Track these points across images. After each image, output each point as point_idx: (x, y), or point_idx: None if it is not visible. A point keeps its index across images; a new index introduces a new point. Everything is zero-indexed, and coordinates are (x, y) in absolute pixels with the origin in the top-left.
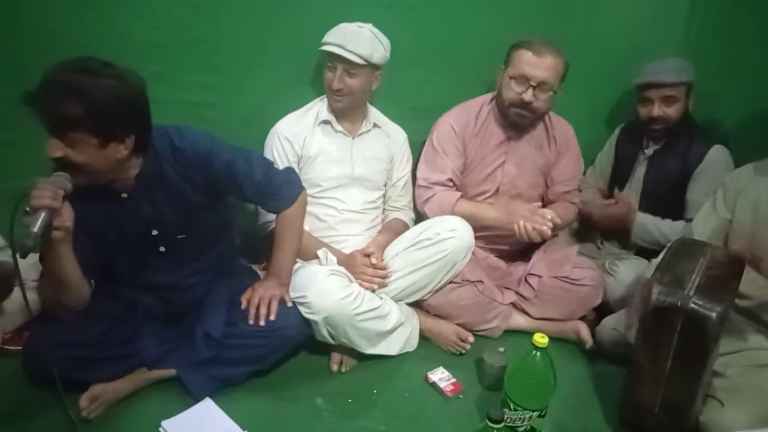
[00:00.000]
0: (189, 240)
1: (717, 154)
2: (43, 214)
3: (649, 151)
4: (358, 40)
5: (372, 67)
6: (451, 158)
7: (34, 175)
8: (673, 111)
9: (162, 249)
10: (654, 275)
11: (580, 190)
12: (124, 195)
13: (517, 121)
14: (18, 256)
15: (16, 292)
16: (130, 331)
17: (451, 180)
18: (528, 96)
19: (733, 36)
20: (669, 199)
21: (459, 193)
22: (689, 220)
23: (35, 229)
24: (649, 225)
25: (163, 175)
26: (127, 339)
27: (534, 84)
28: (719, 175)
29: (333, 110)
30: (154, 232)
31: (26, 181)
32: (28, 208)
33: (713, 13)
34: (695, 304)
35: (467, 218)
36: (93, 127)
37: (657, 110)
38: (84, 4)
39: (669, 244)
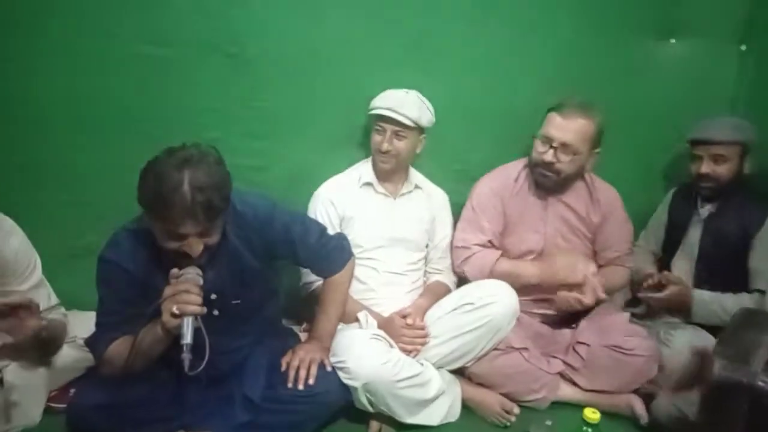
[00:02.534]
0: (242, 304)
1: None
2: (191, 321)
3: (703, 213)
4: (408, 104)
5: (419, 129)
6: (490, 220)
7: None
8: (723, 170)
9: (215, 313)
10: (716, 348)
11: (630, 252)
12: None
13: (541, 181)
14: (187, 371)
15: (65, 350)
16: (172, 393)
17: (490, 242)
18: (548, 156)
19: None
20: (727, 264)
21: (499, 252)
22: (753, 291)
23: (190, 340)
24: (711, 302)
25: (225, 239)
26: (169, 401)
27: (556, 145)
28: None
29: (377, 172)
30: (213, 297)
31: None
32: (176, 311)
33: (764, 71)
34: (764, 382)
35: (508, 277)
36: (225, 207)
37: (705, 167)
38: (147, 76)
39: (733, 314)
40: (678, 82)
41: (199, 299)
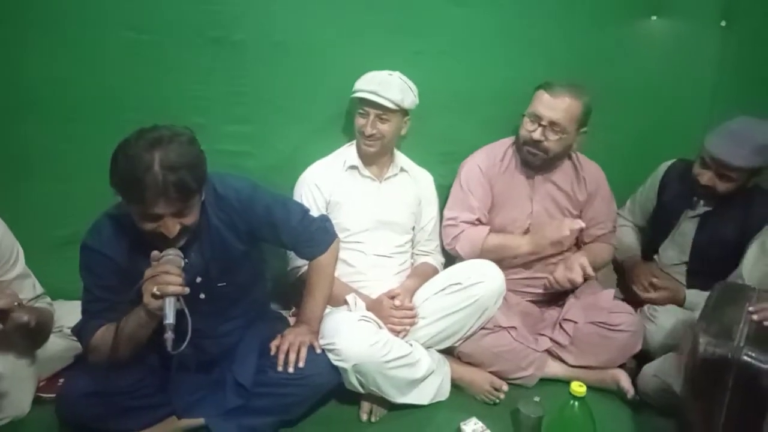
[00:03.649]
0: (228, 288)
1: None
2: (173, 302)
3: (699, 209)
4: (390, 86)
5: (402, 112)
6: (478, 198)
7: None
8: (724, 188)
9: (202, 296)
10: (699, 324)
11: (614, 229)
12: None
13: (528, 159)
14: (170, 350)
15: (52, 339)
16: (162, 380)
17: (479, 219)
18: (537, 134)
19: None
20: (724, 262)
21: (488, 228)
22: None
23: (172, 320)
24: (702, 302)
25: (207, 222)
26: (159, 388)
27: (545, 123)
28: None
29: (362, 155)
30: (198, 280)
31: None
32: (157, 292)
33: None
34: (748, 356)
35: (499, 249)
36: (199, 185)
37: (707, 180)
38: (138, 62)
39: (711, 290)
40: (660, 59)
41: (179, 279)
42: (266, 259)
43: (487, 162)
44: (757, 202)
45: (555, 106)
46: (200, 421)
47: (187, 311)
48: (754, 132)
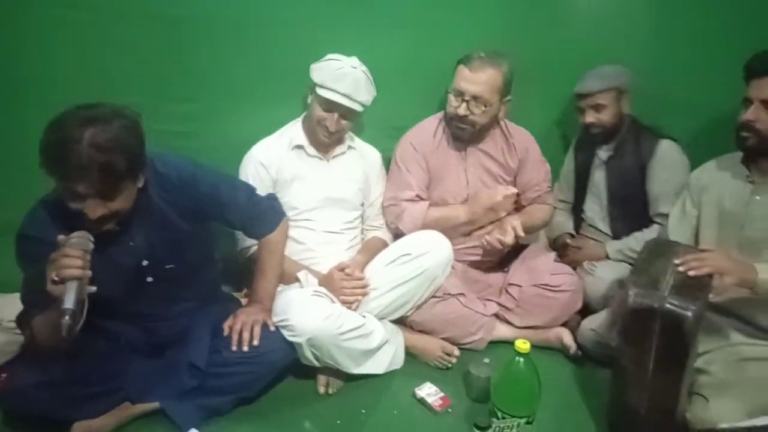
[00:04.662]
0: (176, 270)
1: (666, 147)
2: (74, 286)
3: (603, 156)
4: (360, 88)
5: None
6: (415, 175)
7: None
8: (604, 116)
9: (149, 279)
10: (630, 277)
11: (551, 189)
12: (117, 228)
13: (458, 134)
14: (64, 335)
15: None
16: (112, 366)
17: (418, 196)
18: (462, 110)
19: (673, 41)
20: (634, 198)
21: (427, 202)
22: (657, 215)
23: (71, 305)
24: (621, 249)
25: (150, 203)
26: (109, 374)
27: (467, 98)
28: (673, 166)
29: (314, 142)
30: (144, 263)
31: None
32: (56, 277)
33: (657, 21)
34: (671, 304)
35: (440, 223)
36: (131, 171)
37: (589, 117)
38: (65, 39)
39: (642, 246)
40: (584, 31)
41: (79, 262)
42: (216, 240)
43: (420, 139)
44: (643, 137)
45: (476, 79)
46: (155, 405)
47: (85, 297)
48: (602, 66)
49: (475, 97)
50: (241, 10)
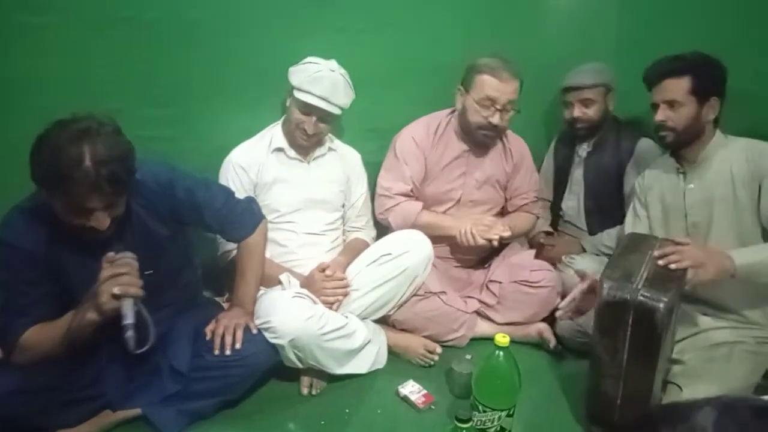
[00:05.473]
0: (155, 275)
1: (644, 146)
2: (131, 303)
3: (582, 153)
4: (337, 91)
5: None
6: (412, 169)
7: None
8: (592, 112)
9: None
10: (605, 271)
11: (537, 200)
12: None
13: (484, 141)
14: (132, 349)
15: None
16: (93, 373)
17: (412, 191)
18: (496, 119)
19: (653, 41)
20: (610, 194)
21: (421, 204)
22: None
23: (132, 320)
24: (596, 245)
25: (128, 209)
26: (90, 381)
27: (500, 107)
28: (648, 164)
29: (293, 144)
30: None
31: None
32: (118, 292)
33: (636, 22)
34: (643, 296)
35: (429, 228)
36: (130, 176)
37: (577, 111)
38: (37, 46)
39: (618, 241)
40: (563, 32)
41: (140, 282)
42: (195, 246)
43: (422, 134)
44: (624, 136)
45: (505, 89)
46: (137, 411)
47: (146, 312)
48: (593, 62)
49: (506, 105)
50: (218, 14)
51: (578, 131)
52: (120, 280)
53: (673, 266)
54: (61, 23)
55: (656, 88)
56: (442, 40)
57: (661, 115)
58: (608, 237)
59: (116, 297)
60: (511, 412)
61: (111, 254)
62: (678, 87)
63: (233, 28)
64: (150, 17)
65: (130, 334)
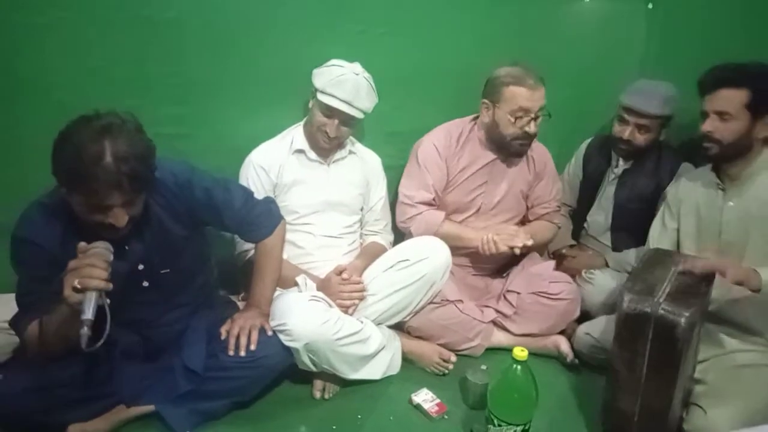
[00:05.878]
0: (172, 274)
1: (685, 170)
2: (94, 297)
3: (618, 170)
4: (360, 94)
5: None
6: (434, 177)
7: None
8: (642, 139)
9: (145, 284)
10: (626, 284)
11: (559, 208)
12: (126, 233)
13: (520, 151)
14: (83, 347)
15: None
16: (107, 370)
17: (434, 200)
18: (532, 128)
19: (684, 56)
20: (641, 216)
21: (443, 213)
22: None
23: (90, 316)
24: (620, 262)
25: (147, 207)
26: (104, 377)
27: (533, 116)
28: None
29: (314, 146)
30: (140, 267)
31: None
32: (78, 286)
33: (669, 29)
34: (664, 310)
35: (450, 238)
36: (151, 173)
37: (628, 134)
38: (57, 43)
39: (642, 255)
40: (590, 40)
41: (104, 274)
42: (212, 245)
43: (444, 142)
44: (665, 157)
45: (536, 98)
46: (150, 408)
47: (108, 310)
48: (661, 86)
49: (541, 109)
50: (235, 13)
51: (619, 150)
52: (83, 272)
53: (696, 271)
54: (82, 20)
55: (709, 96)
56: (463, 45)
57: (709, 126)
58: (636, 255)
59: (77, 290)
60: (526, 427)
61: (83, 244)
62: (733, 98)
63: (250, 28)
64: (169, 15)
65: (84, 330)
